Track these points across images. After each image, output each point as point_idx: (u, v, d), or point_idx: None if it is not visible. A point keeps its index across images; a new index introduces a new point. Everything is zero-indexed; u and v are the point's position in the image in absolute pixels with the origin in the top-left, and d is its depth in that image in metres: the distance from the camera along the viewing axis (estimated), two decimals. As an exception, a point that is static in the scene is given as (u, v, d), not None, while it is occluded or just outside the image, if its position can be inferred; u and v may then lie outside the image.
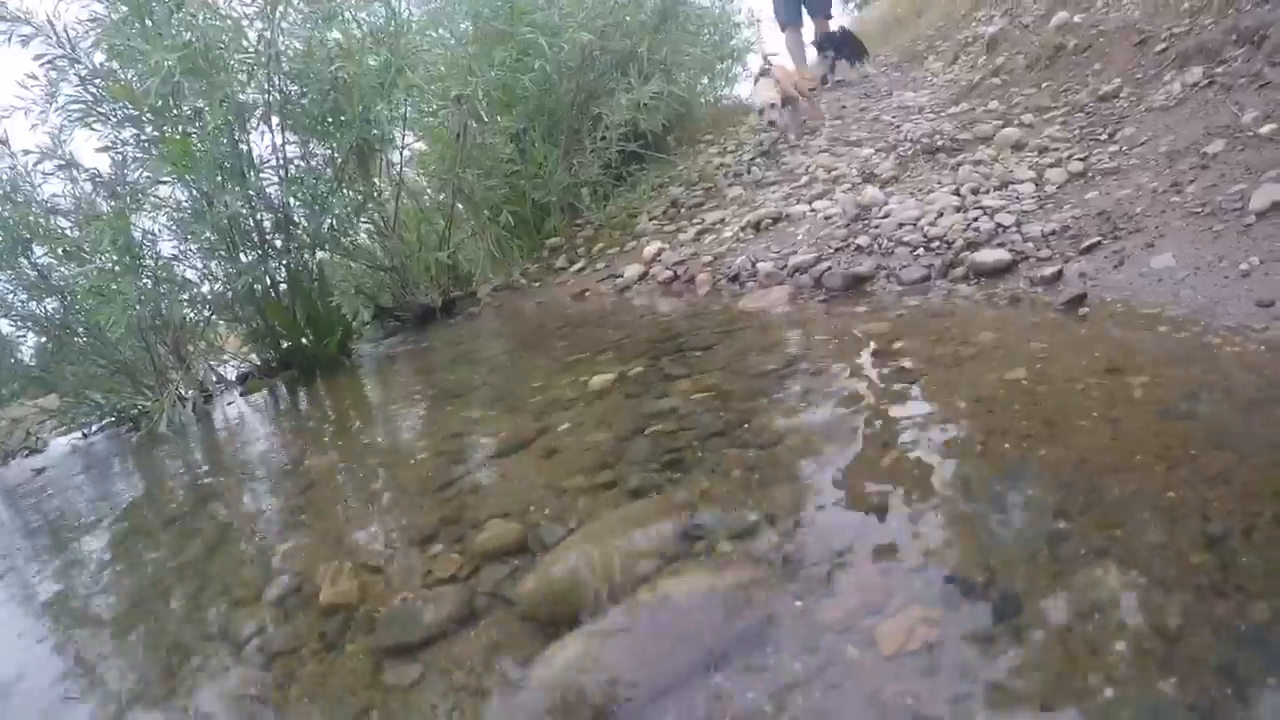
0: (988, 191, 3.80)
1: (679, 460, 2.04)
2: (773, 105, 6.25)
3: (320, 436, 3.94)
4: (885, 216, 3.87)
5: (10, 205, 5.49)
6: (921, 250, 3.46)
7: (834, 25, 9.59)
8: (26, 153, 5.47)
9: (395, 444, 3.28)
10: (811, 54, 9.68)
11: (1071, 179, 3.71)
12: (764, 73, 6.62)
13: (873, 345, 2.69)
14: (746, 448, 2.02)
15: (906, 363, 2.40)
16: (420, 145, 6.94)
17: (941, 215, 3.62)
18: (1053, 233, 3.16)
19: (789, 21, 9.40)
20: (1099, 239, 2.99)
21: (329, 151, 5.92)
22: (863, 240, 3.76)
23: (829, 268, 3.65)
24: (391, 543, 2.17)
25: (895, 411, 2.05)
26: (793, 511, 1.66)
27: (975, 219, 3.44)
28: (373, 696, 1.49)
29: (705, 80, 8.52)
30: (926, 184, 4.26)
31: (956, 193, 3.85)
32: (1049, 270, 2.87)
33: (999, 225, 3.33)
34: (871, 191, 4.23)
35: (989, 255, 3.10)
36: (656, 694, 1.28)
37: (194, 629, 2.00)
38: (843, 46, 9.25)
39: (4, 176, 5.54)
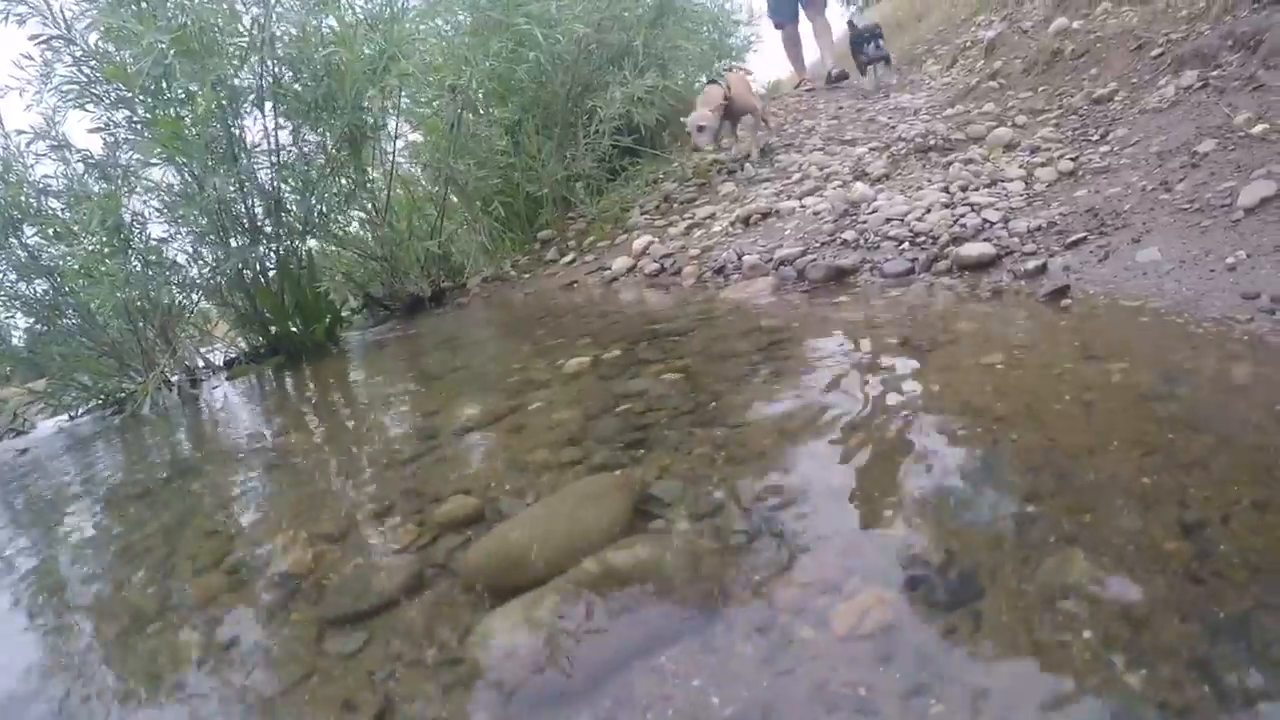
0: (977, 189, 3.78)
1: (645, 438, 2.00)
2: (700, 127, 5.70)
3: (300, 417, 3.92)
4: (873, 212, 3.84)
5: (2, 185, 5.46)
6: (907, 245, 3.44)
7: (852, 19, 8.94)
8: (20, 133, 5.45)
9: (370, 423, 3.24)
10: (810, 55, 9.47)
11: (1061, 178, 3.69)
12: (712, 81, 6.10)
13: (849, 332, 2.67)
14: (713, 426, 1.98)
15: (882, 349, 2.37)
16: (415, 136, 6.92)
17: (929, 211, 3.60)
18: (1039, 228, 3.14)
19: (785, 19, 9.11)
20: (1085, 234, 2.96)
21: (321, 138, 5.89)
22: (849, 235, 3.73)
23: (813, 260, 3.62)
24: (351, 514, 2.13)
25: (866, 394, 2.01)
26: (754, 489, 1.61)
27: (962, 215, 3.42)
28: (315, 663, 1.45)
29: (703, 78, 8.46)
30: (917, 181, 4.23)
31: (946, 190, 3.83)
32: (1033, 264, 2.84)
33: (986, 221, 3.31)
34: (861, 188, 4.21)
35: (973, 249, 3.07)
36: (596, 674, 1.22)
37: (150, 597, 1.96)
38: (882, 47, 8.17)
39: (-3, 157, 5.52)
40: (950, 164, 4.31)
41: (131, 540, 2.48)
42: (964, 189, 3.80)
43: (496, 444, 2.33)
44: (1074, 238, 2.96)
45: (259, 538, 2.14)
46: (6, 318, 6.00)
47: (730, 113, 6.18)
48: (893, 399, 1.94)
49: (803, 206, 4.53)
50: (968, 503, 1.42)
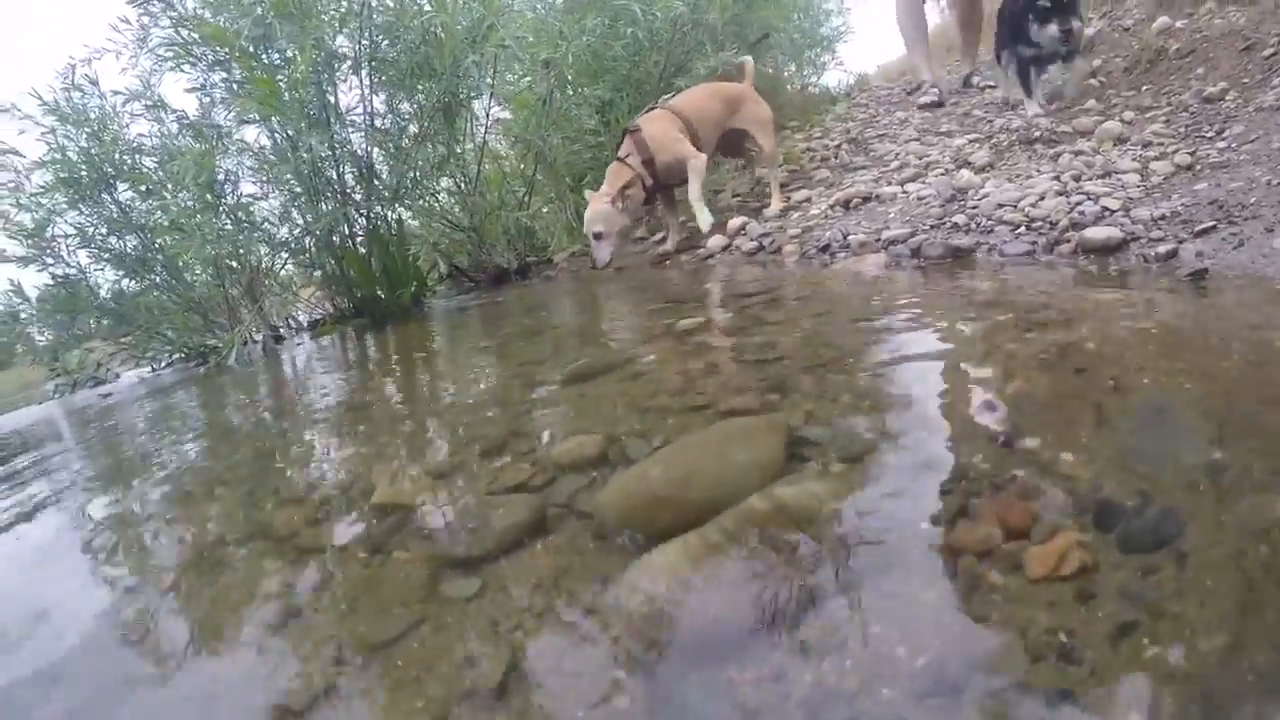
0: (1090, 179, 3.69)
1: (779, 385, 1.92)
2: (598, 234, 4.70)
3: (391, 368, 3.93)
4: (983, 198, 3.77)
5: (98, 143, 5.57)
6: (1023, 229, 3.36)
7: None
8: (115, 93, 5.58)
9: (466, 371, 3.22)
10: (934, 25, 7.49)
11: (1178, 171, 3.59)
12: (628, 133, 5.02)
13: (982, 299, 2.59)
14: (853, 376, 1.91)
15: (1022, 313, 2.28)
16: (505, 114, 6.93)
17: (1043, 199, 3.52)
18: (1163, 217, 3.05)
19: None
20: (1213, 224, 2.88)
21: (415, 106, 5.93)
22: (959, 219, 3.67)
23: (928, 239, 3.56)
24: (457, 452, 2.06)
25: (1016, 349, 1.94)
26: (912, 435, 1.54)
27: (1079, 203, 3.33)
28: (426, 609, 1.33)
29: (793, 66, 8.37)
30: (1025, 171, 4.15)
31: (1058, 179, 3.74)
32: (1163, 249, 2.76)
33: (1105, 209, 3.22)
34: (967, 175, 4.14)
35: (1099, 232, 2.99)
36: (764, 621, 1.11)
37: (236, 526, 1.91)
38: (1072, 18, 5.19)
39: (93, 115, 5.64)
40: (1059, 155, 4.23)
41: (213, 471, 2.48)
42: (1076, 179, 3.71)
43: (613, 390, 2.22)
44: (1202, 226, 2.87)
45: (354, 471, 2.06)
46: (96, 270, 6.13)
47: (655, 187, 5.12)
48: (1045, 354, 1.87)
49: (904, 192, 4.47)
50: (1151, 447, 1.35)
